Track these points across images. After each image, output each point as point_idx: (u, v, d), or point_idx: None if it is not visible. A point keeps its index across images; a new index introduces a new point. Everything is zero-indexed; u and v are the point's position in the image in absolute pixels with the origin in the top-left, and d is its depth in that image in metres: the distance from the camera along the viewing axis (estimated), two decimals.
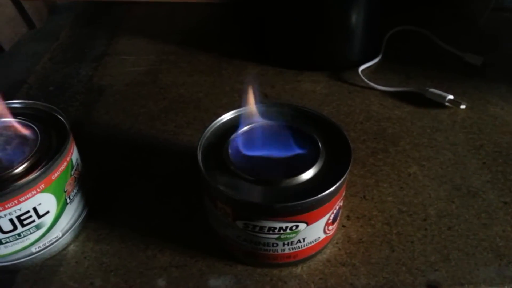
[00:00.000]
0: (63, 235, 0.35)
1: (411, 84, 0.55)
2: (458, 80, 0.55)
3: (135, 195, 0.41)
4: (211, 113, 0.51)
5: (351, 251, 0.35)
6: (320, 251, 0.35)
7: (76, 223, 0.36)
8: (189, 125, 0.49)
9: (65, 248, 0.36)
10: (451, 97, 0.50)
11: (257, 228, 0.31)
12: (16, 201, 0.30)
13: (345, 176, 0.31)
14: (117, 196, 0.41)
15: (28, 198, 0.31)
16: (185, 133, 0.48)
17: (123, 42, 0.65)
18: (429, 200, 0.40)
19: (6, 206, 0.30)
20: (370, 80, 0.54)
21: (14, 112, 0.35)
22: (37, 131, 0.34)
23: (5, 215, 0.30)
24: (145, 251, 0.36)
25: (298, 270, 0.34)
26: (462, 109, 0.50)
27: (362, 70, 0.56)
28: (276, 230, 0.31)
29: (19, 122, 0.35)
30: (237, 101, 0.53)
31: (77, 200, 0.36)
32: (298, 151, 0.33)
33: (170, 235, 0.37)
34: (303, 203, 0.29)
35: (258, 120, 0.36)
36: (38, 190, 0.31)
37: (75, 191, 0.35)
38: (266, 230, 0.31)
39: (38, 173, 0.31)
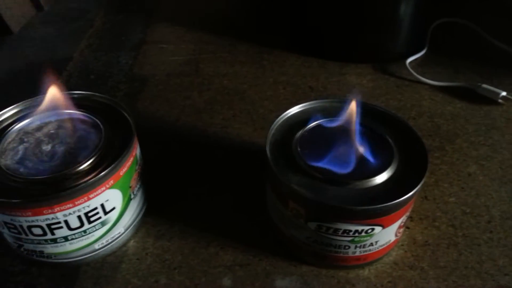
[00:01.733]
0: (125, 231, 0.34)
1: (460, 78, 0.53)
2: (507, 76, 0.53)
3: (190, 189, 0.40)
4: (257, 105, 0.50)
5: (418, 254, 0.35)
6: (386, 253, 0.34)
7: (137, 219, 0.35)
8: (235, 117, 0.48)
9: (125, 244, 0.35)
10: (504, 93, 0.49)
11: (331, 230, 0.30)
12: (86, 198, 0.29)
13: (424, 178, 0.30)
14: (171, 190, 0.40)
15: (97, 195, 0.30)
16: (233, 126, 0.47)
17: (160, 29, 0.64)
18: (491, 201, 0.39)
19: (76, 203, 0.29)
20: (418, 74, 0.53)
21: (74, 104, 0.34)
22: (100, 124, 0.33)
23: (74, 212, 0.30)
24: (206, 248, 0.35)
25: (365, 272, 0.33)
26: None
27: (409, 63, 0.55)
28: (351, 233, 0.30)
29: (80, 115, 0.34)
30: (282, 94, 0.52)
31: (139, 195, 0.35)
32: (371, 151, 0.32)
33: (229, 232, 0.36)
34: (383, 206, 0.28)
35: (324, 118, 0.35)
36: (107, 186, 0.30)
37: (138, 186, 0.34)
38: (340, 232, 0.30)
39: (109, 169, 0.30)
